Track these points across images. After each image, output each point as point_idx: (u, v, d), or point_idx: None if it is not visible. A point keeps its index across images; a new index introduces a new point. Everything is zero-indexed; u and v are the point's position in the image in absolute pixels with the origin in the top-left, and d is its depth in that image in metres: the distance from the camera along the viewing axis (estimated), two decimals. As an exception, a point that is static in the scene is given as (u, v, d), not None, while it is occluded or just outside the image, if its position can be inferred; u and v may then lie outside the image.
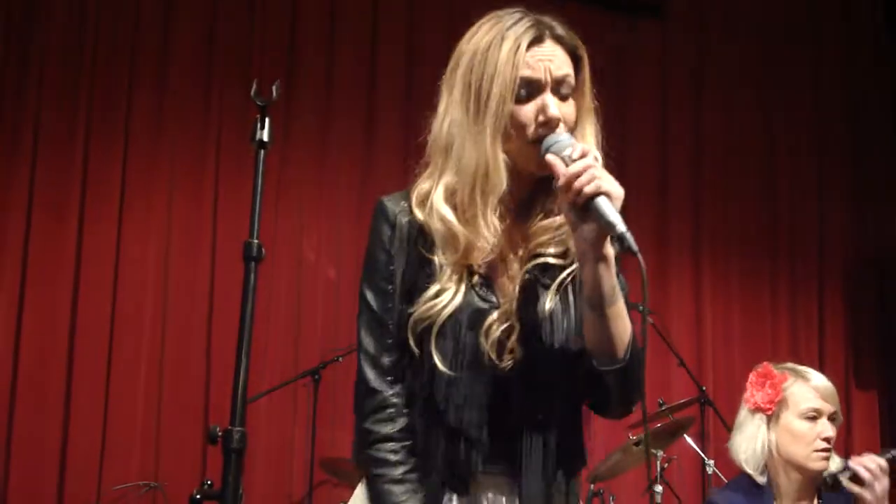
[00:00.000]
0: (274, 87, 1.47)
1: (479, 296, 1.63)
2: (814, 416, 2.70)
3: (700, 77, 5.98)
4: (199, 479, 4.29)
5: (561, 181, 1.51)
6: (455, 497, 1.62)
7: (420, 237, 1.67)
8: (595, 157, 1.53)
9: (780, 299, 5.93)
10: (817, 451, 2.66)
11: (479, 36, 1.67)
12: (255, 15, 5.11)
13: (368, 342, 1.68)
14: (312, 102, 5.14)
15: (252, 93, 1.49)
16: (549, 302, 1.62)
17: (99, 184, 4.74)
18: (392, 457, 1.63)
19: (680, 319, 5.64)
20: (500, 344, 1.60)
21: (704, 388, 4.71)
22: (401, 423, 1.65)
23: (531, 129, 1.61)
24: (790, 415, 2.72)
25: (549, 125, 1.60)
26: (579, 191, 1.47)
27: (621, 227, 1.44)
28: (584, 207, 1.48)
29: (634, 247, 1.43)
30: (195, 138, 4.93)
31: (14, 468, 4.42)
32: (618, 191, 1.48)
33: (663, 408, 4.32)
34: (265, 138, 1.52)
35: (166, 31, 4.96)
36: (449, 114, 1.68)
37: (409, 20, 5.34)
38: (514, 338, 1.61)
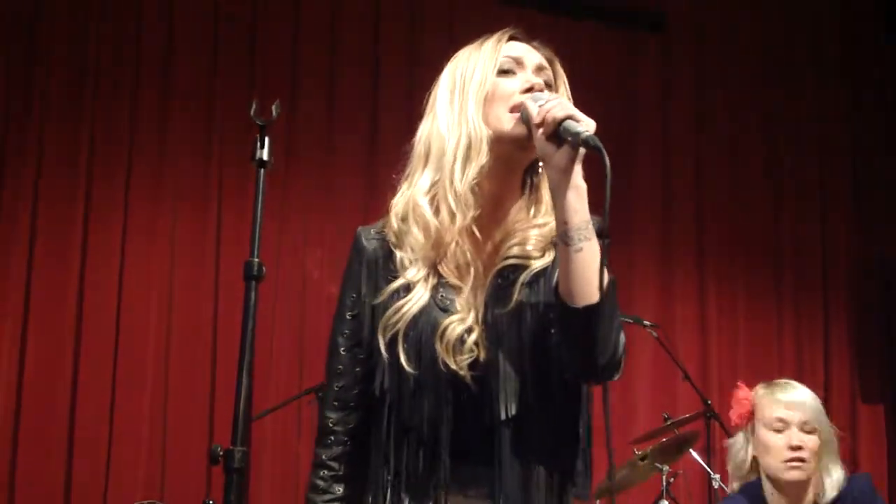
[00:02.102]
0: (274, 107, 1.48)
1: (437, 301, 1.62)
2: (780, 427, 2.72)
3: (701, 91, 5.99)
4: (205, 497, 4.28)
5: (536, 119, 1.54)
6: None
7: (391, 247, 1.69)
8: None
9: (784, 312, 5.92)
10: (786, 461, 2.67)
11: (457, 55, 1.75)
12: (256, 34, 5.14)
13: (327, 364, 1.73)
14: (315, 120, 5.16)
15: (252, 112, 1.49)
16: (517, 294, 1.61)
17: (102, 204, 4.76)
18: (321, 483, 1.69)
19: (685, 333, 5.62)
20: (458, 347, 1.59)
21: (710, 402, 4.69)
22: (336, 450, 1.69)
23: (515, 96, 1.64)
24: (761, 427, 2.77)
25: (532, 90, 1.64)
26: (551, 117, 1.51)
27: (586, 132, 1.47)
28: (556, 136, 1.51)
29: (599, 144, 1.45)
30: (198, 158, 4.95)
31: (19, 487, 4.42)
32: (588, 119, 1.50)
33: (668, 422, 4.30)
34: (265, 157, 1.52)
35: (168, 52, 4.99)
36: (430, 117, 1.71)
37: (412, 38, 5.37)
38: (474, 338, 1.59)
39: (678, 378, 4.81)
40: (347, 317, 1.71)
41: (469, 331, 1.60)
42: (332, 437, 1.69)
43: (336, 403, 1.70)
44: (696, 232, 5.86)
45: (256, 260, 1.45)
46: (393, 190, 1.76)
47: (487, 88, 1.65)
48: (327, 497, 1.67)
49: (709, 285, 5.80)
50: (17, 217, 4.64)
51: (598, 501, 4.19)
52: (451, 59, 1.75)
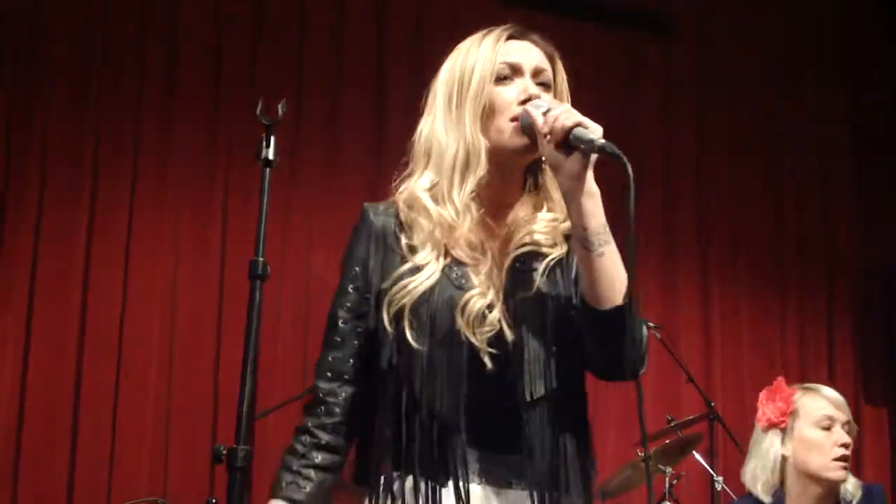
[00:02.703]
0: (280, 106, 1.48)
1: (452, 280, 1.62)
2: (828, 425, 2.69)
3: (704, 93, 5.98)
4: (208, 496, 4.28)
5: (542, 129, 1.54)
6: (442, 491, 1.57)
7: (398, 229, 1.69)
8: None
9: (789, 315, 5.91)
10: (835, 459, 2.65)
11: (457, 49, 1.75)
12: (262, 33, 5.15)
13: (324, 336, 1.72)
14: (320, 120, 5.17)
15: (258, 111, 1.49)
16: (537, 282, 1.62)
17: (107, 204, 4.77)
18: (300, 448, 1.67)
19: (688, 335, 5.62)
20: (480, 320, 1.59)
21: (713, 403, 4.69)
22: (324, 420, 1.67)
23: (512, 107, 1.64)
24: (804, 425, 2.71)
25: (529, 101, 1.64)
26: (560, 126, 1.51)
27: (600, 139, 1.47)
28: (566, 144, 1.51)
29: (617, 151, 1.46)
30: (203, 158, 4.95)
31: (22, 485, 4.43)
32: (595, 125, 1.51)
33: (672, 424, 4.30)
34: (271, 156, 1.52)
35: (174, 50, 5.00)
36: (430, 116, 1.72)
37: (417, 37, 5.38)
38: (496, 315, 1.59)
39: (681, 380, 4.81)
40: (350, 289, 1.70)
41: (490, 307, 1.60)
42: (322, 408, 1.68)
43: (329, 374, 1.69)
44: (697, 233, 5.85)
45: (261, 259, 1.45)
46: (396, 180, 1.77)
47: (484, 100, 1.66)
48: (304, 462, 1.65)
49: (712, 287, 5.79)
50: (22, 217, 4.64)
51: (601, 501, 4.19)
52: (452, 53, 1.75)
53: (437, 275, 1.61)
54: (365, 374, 1.67)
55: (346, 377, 1.68)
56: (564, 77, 1.75)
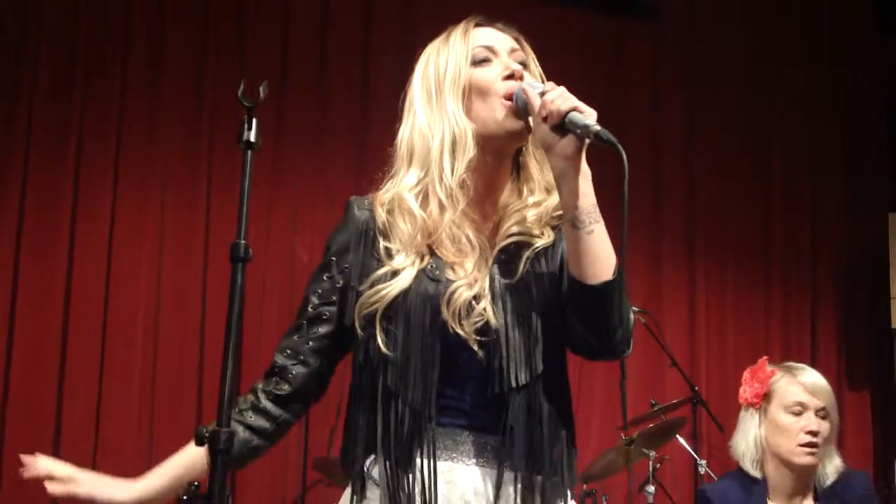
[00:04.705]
0: (261, 88, 1.46)
1: (430, 276, 1.63)
2: (799, 411, 2.72)
3: (692, 80, 5.99)
4: (192, 479, 4.29)
5: (537, 109, 1.56)
6: (417, 477, 1.58)
7: (377, 231, 1.69)
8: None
9: (773, 299, 5.95)
10: (801, 444, 2.68)
11: (426, 53, 1.77)
12: (247, 15, 5.12)
13: (296, 315, 1.77)
14: (306, 101, 5.16)
15: (239, 93, 1.47)
16: (522, 270, 1.64)
17: (91, 186, 4.76)
18: (241, 404, 1.73)
19: (673, 319, 5.65)
20: (467, 312, 1.60)
21: (697, 388, 4.71)
22: (272, 388, 1.73)
23: (496, 84, 1.66)
24: (776, 408, 2.76)
25: (513, 76, 1.66)
26: (556, 110, 1.53)
27: (596, 125, 1.50)
28: (561, 126, 1.53)
29: (613, 138, 1.48)
30: (188, 140, 4.94)
31: (6, 472, 4.42)
32: (590, 109, 1.53)
33: (655, 408, 4.33)
34: (252, 139, 1.51)
35: (159, 33, 4.97)
36: (410, 117, 1.73)
37: (403, 18, 5.37)
38: (483, 305, 1.61)
39: (666, 364, 4.83)
40: (324, 277, 1.74)
41: (477, 297, 1.62)
42: (275, 379, 1.74)
43: (288, 351, 1.75)
44: (685, 220, 5.88)
45: (243, 242, 1.44)
46: (377, 185, 1.77)
47: (464, 82, 1.67)
48: (238, 418, 1.70)
49: (698, 273, 5.82)
50: (5, 201, 4.63)
51: (584, 486, 4.22)
52: (420, 58, 1.77)
53: (412, 278, 1.63)
54: (325, 358, 1.74)
55: (301, 357, 1.73)
56: (534, 57, 1.77)
